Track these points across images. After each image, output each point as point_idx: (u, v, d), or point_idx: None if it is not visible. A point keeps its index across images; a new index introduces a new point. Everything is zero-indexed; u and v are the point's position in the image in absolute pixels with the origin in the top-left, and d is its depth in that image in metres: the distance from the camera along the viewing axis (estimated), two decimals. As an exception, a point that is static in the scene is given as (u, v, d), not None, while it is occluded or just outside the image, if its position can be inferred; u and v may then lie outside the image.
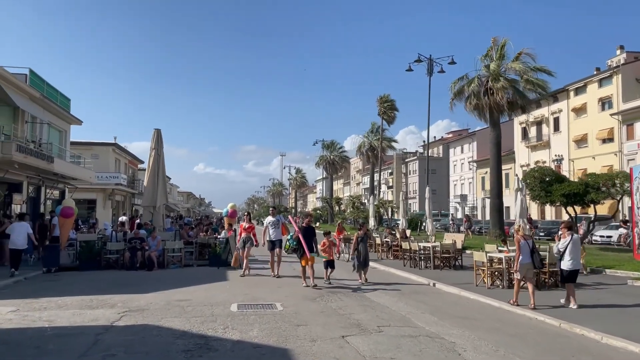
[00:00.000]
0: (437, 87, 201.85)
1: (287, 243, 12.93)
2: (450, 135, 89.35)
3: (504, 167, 63.98)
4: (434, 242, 17.19)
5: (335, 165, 67.61)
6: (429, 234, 17.99)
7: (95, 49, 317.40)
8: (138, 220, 19.68)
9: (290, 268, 15.74)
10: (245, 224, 14.72)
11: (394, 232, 21.65)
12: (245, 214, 15.90)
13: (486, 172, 68.16)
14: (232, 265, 14.96)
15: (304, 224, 12.71)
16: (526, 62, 25.91)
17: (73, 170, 24.00)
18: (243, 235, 14.38)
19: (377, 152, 53.86)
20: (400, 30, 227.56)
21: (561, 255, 9.61)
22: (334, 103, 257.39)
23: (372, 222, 26.31)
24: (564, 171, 51.81)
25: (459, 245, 16.61)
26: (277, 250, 13.86)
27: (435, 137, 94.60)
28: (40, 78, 22.86)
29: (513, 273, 10.41)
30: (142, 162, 46.41)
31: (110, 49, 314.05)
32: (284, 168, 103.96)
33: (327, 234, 13.95)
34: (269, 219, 14.17)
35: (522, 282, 9.83)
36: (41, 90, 22.33)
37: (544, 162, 55.40)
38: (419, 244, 16.81)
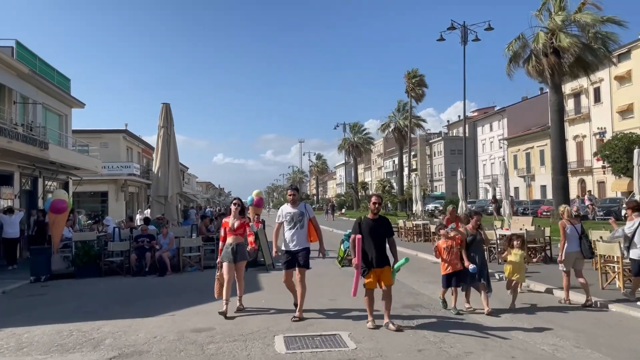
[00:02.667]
0: (453, 67, 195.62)
1: (341, 247, 8.15)
2: (476, 114, 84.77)
3: (536, 144, 60.62)
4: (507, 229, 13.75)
5: (359, 148, 64.11)
6: (505, 219, 14.58)
7: (116, 40, 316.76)
8: (141, 216, 16.64)
9: (335, 267, 12.55)
10: (231, 222, 8.10)
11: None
12: (233, 203, 8.49)
13: (518, 149, 64.56)
14: (215, 296, 8.24)
15: (369, 215, 7.09)
16: (591, 14, 22.00)
17: (74, 159, 21.01)
18: (229, 240, 8.00)
19: (405, 132, 50.35)
20: (422, 5, 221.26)
21: (629, 242, 8.11)
22: (352, 88, 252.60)
23: (417, 207, 22.98)
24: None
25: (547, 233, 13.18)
26: (297, 271, 7.49)
27: (459, 116, 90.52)
28: (31, 52, 19.82)
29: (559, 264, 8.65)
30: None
31: (129, 41, 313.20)
32: (304, 154, 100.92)
33: (442, 227, 8.63)
34: (286, 209, 7.76)
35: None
36: (32, 66, 19.30)
37: (584, 136, 51.40)
38: (496, 231, 13.36)
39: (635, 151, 11.00)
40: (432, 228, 17.45)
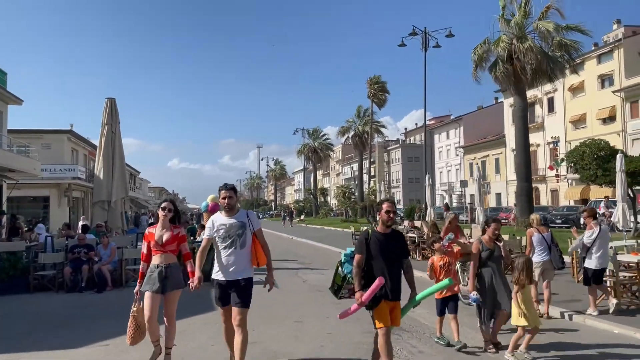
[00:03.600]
0: (409, 76, 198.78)
1: (339, 271, 5.18)
2: (433, 122, 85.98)
3: (492, 152, 61.66)
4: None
5: (319, 153, 63.22)
6: (480, 227, 13.77)
7: (64, 40, 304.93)
8: (82, 222, 15.05)
9: (299, 279, 11.37)
10: (158, 233, 5.67)
11: (417, 226, 17.34)
12: (161, 207, 5.86)
13: (474, 157, 65.47)
14: (127, 342, 5.80)
15: (378, 229, 5.10)
16: (555, 21, 21.93)
17: (6, 160, 19.00)
18: (155, 260, 5.64)
19: (366, 137, 49.85)
20: (377, 15, 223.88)
21: (587, 251, 7.95)
22: (313, 94, 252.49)
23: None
24: (561, 154, 49.11)
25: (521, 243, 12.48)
26: (236, 311, 5.04)
27: (417, 124, 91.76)
28: (-42, 40, 17.79)
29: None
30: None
31: (77, 41, 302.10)
32: (262, 160, 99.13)
33: (438, 240, 6.86)
34: (218, 219, 5.25)
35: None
36: (-41, 56, 17.29)
37: (538, 145, 52.45)
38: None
39: (618, 156, 10.52)
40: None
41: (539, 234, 8.11)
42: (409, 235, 16.30)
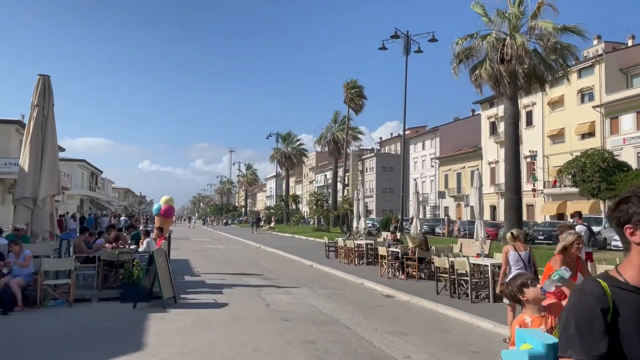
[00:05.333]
0: (386, 87, 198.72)
1: None
2: (409, 132, 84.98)
3: (467, 164, 60.64)
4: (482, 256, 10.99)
5: (292, 159, 60.97)
6: (479, 242, 11.77)
7: (31, 34, 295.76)
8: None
9: (261, 302, 9.19)
10: None
11: (400, 239, 15.25)
12: None
13: (449, 169, 64.39)
14: None
15: (627, 275, 1.62)
16: (550, 20, 20.30)
17: None
18: None
19: (342, 143, 48.05)
20: (353, 19, 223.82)
21: None
22: (290, 101, 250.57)
23: (359, 223, 20.09)
24: (538, 168, 48.20)
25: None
26: None
27: (392, 134, 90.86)
28: None
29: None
30: (63, 150, 37.73)
31: (56, 45, 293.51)
32: (233, 164, 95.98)
33: (525, 284, 3.30)
34: None
35: None
36: None
37: (515, 158, 51.65)
38: (468, 260, 10.39)
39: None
40: (382, 251, 14.34)
41: (515, 251, 7.37)
42: (391, 249, 14.20)
